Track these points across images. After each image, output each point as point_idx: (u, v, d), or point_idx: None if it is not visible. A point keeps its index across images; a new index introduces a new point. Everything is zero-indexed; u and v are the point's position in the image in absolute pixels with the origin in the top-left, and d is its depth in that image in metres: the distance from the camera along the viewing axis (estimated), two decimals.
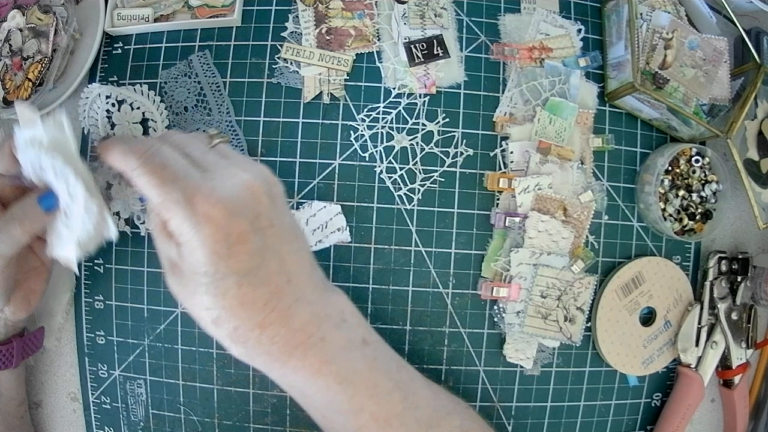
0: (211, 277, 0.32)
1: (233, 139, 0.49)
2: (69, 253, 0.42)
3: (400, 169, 0.49)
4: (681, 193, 0.51)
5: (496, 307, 0.49)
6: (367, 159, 0.49)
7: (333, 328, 0.36)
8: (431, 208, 0.49)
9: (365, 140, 0.49)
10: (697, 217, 0.51)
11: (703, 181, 0.52)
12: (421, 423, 0.38)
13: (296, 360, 0.35)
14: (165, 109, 0.50)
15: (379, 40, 0.50)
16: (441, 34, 0.50)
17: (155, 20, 0.50)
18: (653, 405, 0.53)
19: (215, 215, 0.32)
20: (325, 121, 0.50)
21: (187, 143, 0.37)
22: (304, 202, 0.49)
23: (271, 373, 0.36)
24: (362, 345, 0.37)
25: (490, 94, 0.51)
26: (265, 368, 0.36)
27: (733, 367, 0.51)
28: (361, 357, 0.36)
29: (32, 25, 0.49)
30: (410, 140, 0.50)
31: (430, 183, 0.50)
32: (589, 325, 0.50)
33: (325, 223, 0.49)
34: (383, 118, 0.50)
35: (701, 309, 0.51)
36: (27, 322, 0.47)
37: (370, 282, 0.49)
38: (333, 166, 0.49)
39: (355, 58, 0.50)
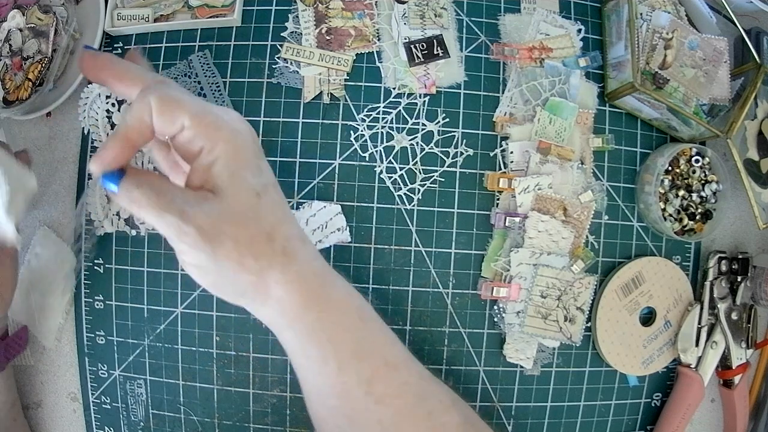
0: (256, 178, 0.33)
1: None
2: (2, 222, 0.40)
3: (400, 169, 0.49)
4: (681, 193, 0.51)
5: (496, 307, 0.49)
6: (367, 159, 0.49)
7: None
8: (431, 208, 0.49)
9: (365, 140, 0.49)
10: (697, 217, 0.51)
11: (703, 181, 0.52)
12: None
13: (330, 288, 0.35)
14: None
15: (379, 40, 0.50)
16: (441, 34, 0.50)
17: (155, 20, 0.50)
18: (653, 405, 0.53)
19: (244, 122, 0.33)
20: (325, 121, 0.50)
21: None
22: (304, 202, 0.49)
23: (309, 315, 0.34)
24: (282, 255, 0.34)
25: (490, 94, 0.51)
26: (307, 305, 0.34)
27: (733, 367, 0.51)
28: (361, 296, 0.37)
29: (32, 25, 0.49)
30: (410, 140, 0.50)
31: (430, 183, 0.50)
32: (589, 325, 0.50)
33: (325, 223, 0.49)
34: (383, 118, 0.50)
35: (701, 309, 0.51)
36: (4, 321, 0.46)
37: (370, 282, 0.49)
38: (333, 166, 0.49)
39: (355, 58, 0.50)
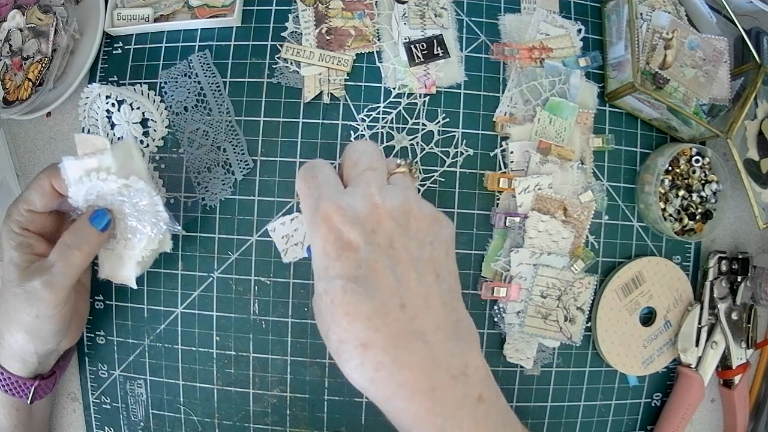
0: (322, 279, 0.33)
1: (233, 139, 0.49)
2: (130, 272, 0.44)
3: None
4: (681, 193, 0.51)
5: (496, 307, 0.49)
6: None
7: (449, 380, 0.32)
8: None
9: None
10: (697, 217, 0.51)
11: (703, 181, 0.52)
12: None
13: (400, 401, 0.32)
14: (165, 109, 0.50)
15: (379, 40, 0.50)
16: (441, 34, 0.50)
17: (155, 20, 0.50)
18: (653, 405, 0.53)
19: (332, 217, 0.33)
20: (325, 121, 0.50)
21: (369, 162, 0.37)
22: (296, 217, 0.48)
23: (378, 401, 0.33)
24: (476, 402, 0.33)
25: (490, 94, 0.51)
26: (373, 397, 0.33)
27: (733, 367, 0.51)
28: (470, 414, 0.33)
29: (32, 25, 0.49)
30: (410, 140, 0.50)
31: (431, 183, 0.50)
32: (589, 325, 0.50)
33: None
34: (383, 118, 0.50)
35: (701, 309, 0.51)
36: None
37: None
38: (333, 166, 0.49)
39: (355, 58, 0.50)
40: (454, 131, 0.50)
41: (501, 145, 0.50)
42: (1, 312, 0.42)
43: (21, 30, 0.49)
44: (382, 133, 0.50)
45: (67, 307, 0.42)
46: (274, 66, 0.50)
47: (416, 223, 0.35)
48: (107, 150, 0.41)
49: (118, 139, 0.50)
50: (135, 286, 0.45)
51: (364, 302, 0.31)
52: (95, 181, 0.41)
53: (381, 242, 0.33)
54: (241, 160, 0.49)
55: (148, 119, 0.50)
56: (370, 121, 0.50)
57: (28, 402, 0.44)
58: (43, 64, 0.48)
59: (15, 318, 0.41)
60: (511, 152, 0.49)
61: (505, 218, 0.48)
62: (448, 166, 0.50)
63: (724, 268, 0.52)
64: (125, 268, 0.44)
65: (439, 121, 0.50)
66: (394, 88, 0.50)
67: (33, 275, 0.40)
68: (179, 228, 0.44)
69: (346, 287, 0.32)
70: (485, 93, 0.51)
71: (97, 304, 0.50)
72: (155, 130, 0.50)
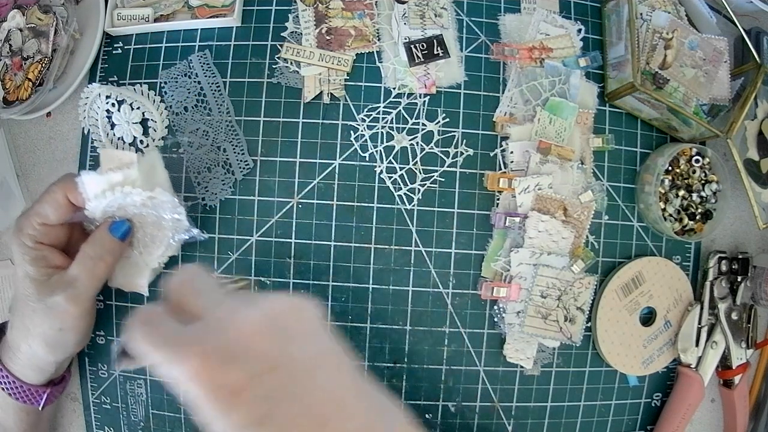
0: None
1: (233, 139, 0.49)
2: (144, 280, 0.45)
3: (400, 169, 0.49)
4: (681, 193, 0.51)
5: (496, 307, 0.49)
6: (367, 159, 0.49)
7: None
8: (431, 208, 0.49)
9: (365, 140, 0.49)
10: (697, 217, 0.51)
11: (703, 181, 0.51)
12: None
13: None
14: (165, 109, 0.50)
15: (379, 40, 0.50)
16: (441, 34, 0.50)
17: (155, 20, 0.50)
18: (653, 405, 0.53)
19: (202, 371, 0.28)
20: (325, 121, 0.50)
21: (199, 290, 0.32)
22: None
23: None
24: None
25: (490, 94, 0.51)
26: None
27: (733, 367, 0.51)
28: None
29: (32, 25, 0.49)
30: (410, 140, 0.50)
31: (430, 183, 0.50)
32: (589, 325, 0.50)
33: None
34: (383, 118, 0.50)
35: (701, 309, 0.51)
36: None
37: (370, 282, 0.49)
38: (333, 166, 0.49)
39: (355, 58, 0.50)
40: (454, 131, 0.50)
41: (501, 145, 0.50)
42: (16, 325, 0.42)
43: (21, 30, 0.49)
44: (382, 133, 0.50)
45: (90, 315, 0.42)
46: (274, 66, 0.50)
47: (284, 322, 0.30)
48: (134, 164, 0.41)
49: (119, 139, 0.50)
50: (147, 294, 0.46)
51: None
52: (118, 194, 0.40)
53: (263, 369, 0.28)
54: (241, 160, 0.49)
55: (148, 119, 0.50)
56: (370, 121, 0.50)
57: (41, 408, 0.44)
58: (43, 64, 0.48)
59: (35, 332, 0.41)
60: (511, 152, 0.49)
61: (505, 218, 0.48)
62: (448, 166, 0.50)
63: (724, 268, 0.52)
64: (140, 276, 0.45)
65: (439, 121, 0.50)
66: (394, 88, 0.50)
67: (54, 290, 0.40)
68: (205, 236, 0.44)
69: None
70: (485, 93, 0.51)
71: (97, 305, 0.50)
72: (155, 130, 0.50)
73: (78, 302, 0.40)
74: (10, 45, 0.49)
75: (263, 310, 0.30)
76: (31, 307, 0.40)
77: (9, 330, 0.43)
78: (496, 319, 0.49)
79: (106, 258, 0.41)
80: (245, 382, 0.28)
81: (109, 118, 0.50)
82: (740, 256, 0.52)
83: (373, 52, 0.50)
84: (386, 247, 0.49)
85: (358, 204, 0.49)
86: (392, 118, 0.50)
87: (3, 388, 0.43)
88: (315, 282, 0.49)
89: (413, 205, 0.49)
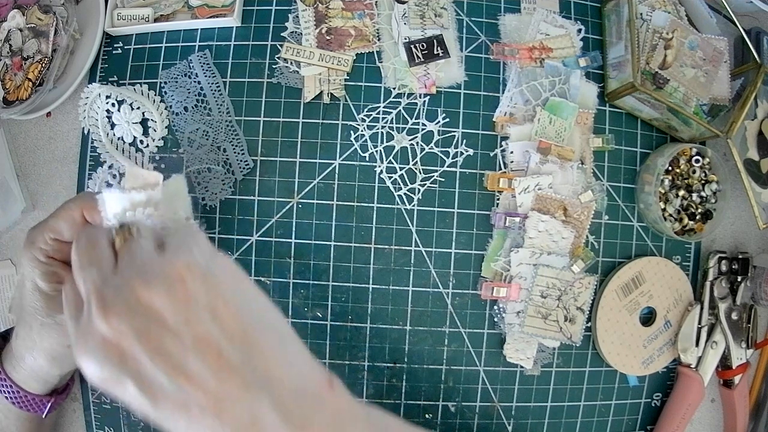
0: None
1: (233, 139, 0.49)
2: None
3: (400, 169, 0.49)
4: (681, 193, 0.51)
5: (496, 307, 0.49)
6: (367, 159, 0.49)
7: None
8: (431, 208, 0.49)
9: (365, 140, 0.49)
10: (697, 217, 0.51)
11: (703, 181, 0.51)
12: None
13: None
14: (165, 109, 0.50)
15: (379, 40, 0.50)
16: (441, 34, 0.50)
17: (155, 20, 0.50)
18: (653, 405, 0.53)
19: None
20: (325, 121, 0.50)
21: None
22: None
23: None
24: None
25: (490, 94, 0.51)
26: None
27: (733, 367, 0.51)
28: None
29: (32, 25, 0.49)
30: (410, 140, 0.50)
31: (430, 183, 0.50)
32: (589, 325, 0.50)
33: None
34: (383, 118, 0.50)
35: (701, 309, 0.51)
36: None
37: (370, 282, 0.49)
38: (333, 166, 0.49)
39: (355, 58, 0.50)
40: (454, 131, 0.50)
41: (501, 145, 0.50)
42: (22, 335, 0.41)
43: (21, 30, 0.49)
44: (381, 133, 0.50)
45: None
46: (274, 66, 0.50)
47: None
48: (159, 186, 0.40)
49: (119, 139, 0.50)
50: None
51: None
52: (139, 215, 0.40)
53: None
54: (241, 160, 0.49)
55: (148, 119, 0.50)
56: (370, 121, 0.50)
57: (44, 417, 0.44)
58: (43, 64, 0.48)
59: (41, 345, 0.40)
60: (511, 152, 0.49)
61: (505, 218, 0.48)
62: (448, 166, 0.50)
63: (724, 268, 0.52)
64: None
65: (439, 121, 0.50)
66: (394, 88, 0.50)
67: None
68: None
69: None
70: (485, 93, 0.51)
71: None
72: (155, 130, 0.50)
73: None
74: (10, 45, 0.49)
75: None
76: (39, 321, 0.39)
77: (14, 339, 0.42)
78: (496, 319, 0.49)
79: None
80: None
81: (109, 118, 0.50)
82: (740, 256, 0.52)
83: (373, 52, 0.50)
84: (386, 247, 0.49)
85: (358, 204, 0.49)
86: (392, 118, 0.50)
87: (6, 396, 0.42)
88: (315, 282, 0.49)
89: (413, 205, 0.49)
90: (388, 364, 0.49)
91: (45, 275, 0.39)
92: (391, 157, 0.49)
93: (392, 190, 0.49)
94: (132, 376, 0.27)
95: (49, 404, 0.44)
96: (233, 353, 0.27)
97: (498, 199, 0.50)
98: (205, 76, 0.50)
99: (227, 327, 0.28)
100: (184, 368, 0.27)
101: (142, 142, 0.50)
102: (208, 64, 0.50)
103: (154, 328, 0.27)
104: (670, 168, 0.51)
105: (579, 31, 0.52)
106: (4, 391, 0.42)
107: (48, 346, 0.40)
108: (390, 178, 0.49)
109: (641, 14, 0.50)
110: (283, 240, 0.49)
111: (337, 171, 0.49)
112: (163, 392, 0.27)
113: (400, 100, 0.50)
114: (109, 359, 0.27)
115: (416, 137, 0.50)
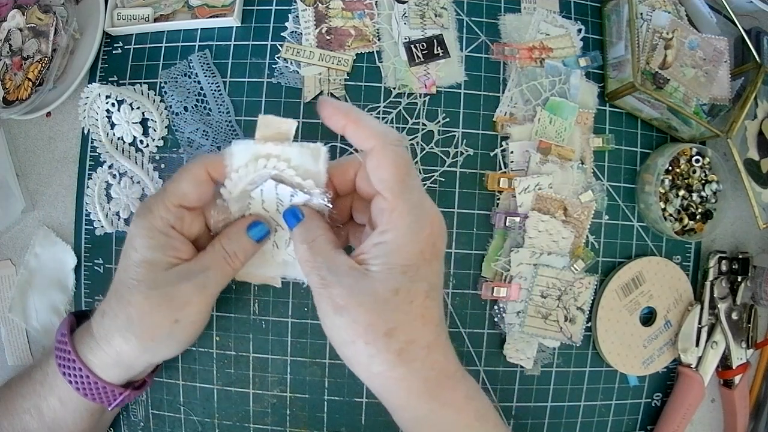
0: (406, 275, 0.33)
1: (233, 139, 0.49)
2: (275, 272, 0.43)
3: None
4: (681, 193, 0.51)
5: (496, 307, 0.49)
6: None
7: (464, 369, 0.37)
8: None
9: None
10: (698, 217, 0.51)
11: (703, 181, 0.51)
12: None
13: (448, 392, 0.35)
14: (165, 109, 0.50)
15: (379, 39, 0.50)
16: (441, 34, 0.50)
17: (155, 20, 0.50)
18: (653, 405, 0.53)
19: (436, 221, 0.35)
20: None
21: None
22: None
23: (420, 407, 0.35)
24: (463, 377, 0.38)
25: (490, 94, 0.51)
26: (417, 400, 0.35)
27: (734, 367, 0.51)
28: (484, 397, 0.38)
29: (32, 25, 0.49)
30: (410, 140, 0.50)
31: (431, 183, 0.49)
32: (589, 325, 0.50)
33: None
34: (383, 118, 0.50)
35: (701, 309, 0.51)
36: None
37: None
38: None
39: (355, 57, 0.50)
40: (454, 131, 0.50)
41: (501, 145, 0.50)
42: (111, 314, 0.38)
43: (21, 30, 0.49)
44: None
45: (207, 314, 0.40)
46: (274, 66, 0.50)
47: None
48: (291, 132, 0.37)
49: (119, 139, 0.50)
50: (279, 285, 0.44)
51: (435, 309, 0.35)
52: (268, 168, 0.37)
53: (441, 258, 0.36)
54: None
55: (147, 119, 0.50)
56: None
57: (110, 408, 0.41)
58: (43, 64, 0.48)
59: (140, 322, 0.37)
60: (511, 152, 0.49)
61: (505, 218, 0.48)
62: (448, 166, 0.50)
63: (724, 268, 0.52)
64: (273, 269, 0.42)
65: (439, 121, 0.50)
66: (394, 88, 0.50)
67: (181, 279, 0.37)
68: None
69: (429, 293, 0.34)
70: (485, 93, 0.51)
71: (97, 304, 0.50)
72: (155, 130, 0.50)
73: (205, 294, 0.38)
74: (10, 45, 0.49)
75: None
76: (144, 294, 0.36)
77: (99, 318, 0.39)
78: (496, 319, 0.49)
79: (239, 256, 0.39)
80: (442, 255, 0.36)
81: (109, 118, 0.50)
82: (740, 256, 0.52)
83: (373, 51, 0.50)
84: None
85: None
86: (392, 118, 0.50)
87: (71, 382, 0.39)
88: None
89: None
90: None
91: (162, 247, 0.37)
92: None
93: None
94: None
95: (122, 397, 0.40)
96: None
97: (498, 199, 0.50)
98: (205, 76, 0.50)
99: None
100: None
101: (142, 142, 0.50)
102: (208, 64, 0.50)
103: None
104: (670, 168, 0.51)
105: (579, 31, 0.52)
106: (69, 376, 0.39)
107: (149, 323, 0.37)
108: None
109: (641, 14, 0.50)
110: None
111: None
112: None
113: (400, 99, 0.50)
114: None
115: (416, 137, 0.50)
